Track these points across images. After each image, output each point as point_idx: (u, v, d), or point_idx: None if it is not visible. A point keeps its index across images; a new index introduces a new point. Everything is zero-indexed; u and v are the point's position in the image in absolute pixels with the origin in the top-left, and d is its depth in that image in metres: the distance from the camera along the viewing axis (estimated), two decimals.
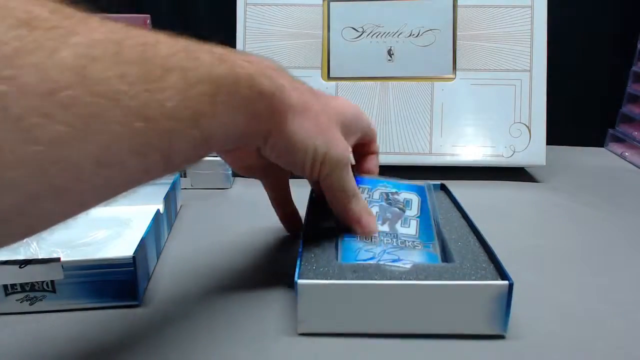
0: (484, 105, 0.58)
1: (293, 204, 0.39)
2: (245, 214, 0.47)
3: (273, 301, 0.33)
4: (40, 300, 0.31)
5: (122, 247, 0.35)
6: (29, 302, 0.31)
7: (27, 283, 0.30)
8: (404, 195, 0.37)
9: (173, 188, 0.46)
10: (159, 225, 0.39)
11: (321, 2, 0.59)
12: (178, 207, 0.48)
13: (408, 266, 0.30)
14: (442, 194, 0.43)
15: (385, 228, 0.33)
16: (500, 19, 0.58)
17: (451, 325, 0.29)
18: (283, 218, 0.40)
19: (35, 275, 0.30)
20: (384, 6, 0.59)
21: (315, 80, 0.59)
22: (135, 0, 0.74)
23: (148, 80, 0.19)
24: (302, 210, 0.39)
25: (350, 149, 0.32)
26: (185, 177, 0.54)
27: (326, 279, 0.29)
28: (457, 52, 0.58)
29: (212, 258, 0.39)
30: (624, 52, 0.71)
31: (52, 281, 0.30)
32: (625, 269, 0.38)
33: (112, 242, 0.36)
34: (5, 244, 0.18)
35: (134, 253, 0.31)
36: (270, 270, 0.37)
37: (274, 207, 0.39)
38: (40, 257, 0.31)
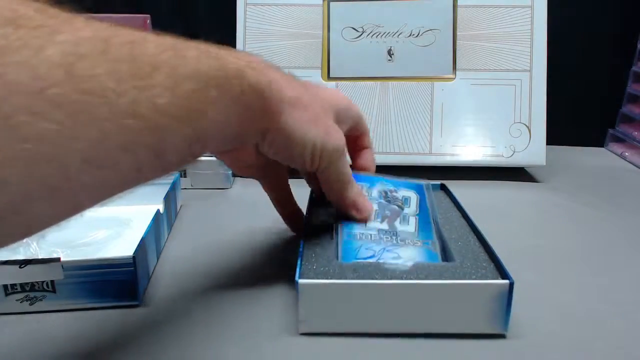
0: (484, 105, 0.58)
1: (295, 202, 0.39)
2: (245, 214, 0.47)
3: (273, 301, 0.33)
4: (40, 300, 0.31)
5: (122, 247, 0.34)
6: (29, 302, 0.31)
7: (27, 283, 0.30)
8: (402, 192, 0.37)
9: (173, 188, 0.46)
10: (159, 225, 0.39)
11: (321, 2, 0.59)
12: (178, 207, 0.48)
13: (408, 264, 0.30)
14: (442, 194, 0.43)
15: (384, 226, 0.33)
16: (500, 19, 0.58)
17: (452, 324, 0.29)
18: (286, 218, 0.39)
19: (35, 275, 0.30)
20: (384, 6, 0.59)
21: (315, 80, 0.59)
22: (136, 0, 0.74)
23: (136, 77, 0.19)
24: (302, 211, 0.39)
25: (344, 137, 0.32)
26: (185, 177, 0.54)
27: (327, 278, 0.29)
28: (457, 52, 0.58)
29: (212, 258, 0.39)
30: (624, 52, 0.71)
31: (52, 281, 0.30)
32: (625, 269, 0.38)
33: (112, 242, 0.36)
34: (2, 245, 0.18)
35: (134, 253, 0.31)
36: (270, 270, 0.37)
37: (276, 208, 0.39)
38: (40, 257, 0.31)
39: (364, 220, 0.34)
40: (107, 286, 0.31)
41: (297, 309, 0.28)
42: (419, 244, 0.32)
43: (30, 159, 0.16)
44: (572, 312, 0.32)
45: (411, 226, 0.34)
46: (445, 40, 0.58)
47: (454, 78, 0.58)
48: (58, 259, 0.30)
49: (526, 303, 0.31)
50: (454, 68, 0.58)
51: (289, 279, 0.35)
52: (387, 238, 0.32)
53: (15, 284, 0.30)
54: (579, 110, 0.76)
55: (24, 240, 0.19)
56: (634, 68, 0.70)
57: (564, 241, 0.43)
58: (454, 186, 0.43)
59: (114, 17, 0.59)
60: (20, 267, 0.30)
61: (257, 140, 0.28)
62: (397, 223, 0.34)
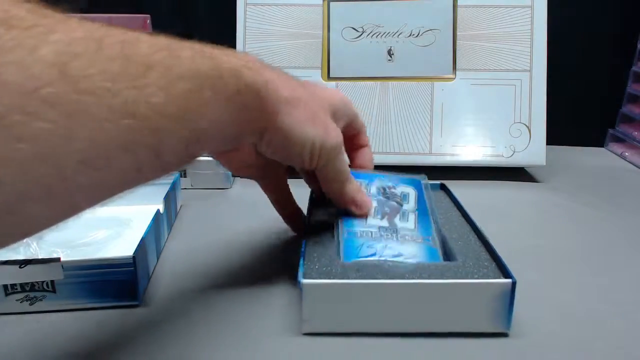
0: (484, 105, 0.58)
1: (295, 202, 0.39)
2: (245, 214, 0.47)
3: (274, 301, 0.33)
4: (40, 300, 0.31)
5: (122, 247, 0.35)
6: (29, 302, 0.31)
7: (27, 283, 0.30)
8: (400, 189, 0.37)
9: (173, 188, 0.46)
10: (159, 225, 0.39)
11: (321, 2, 0.59)
12: (178, 207, 0.48)
13: (409, 261, 0.30)
14: (442, 194, 0.43)
15: (384, 223, 0.33)
16: (500, 19, 0.58)
17: (455, 323, 0.29)
18: (287, 218, 0.39)
19: (35, 275, 0.30)
20: (384, 6, 0.59)
21: (315, 80, 0.59)
22: (136, 0, 0.74)
23: (131, 77, 0.19)
24: (302, 210, 0.39)
25: (341, 134, 0.32)
26: (185, 177, 0.54)
27: (329, 278, 0.29)
28: (457, 52, 0.58)
29: (212, 258, 0.39)
30: (624, 52, 0.71)
31: (52, 281, 0.30)
32: (625, 269, 0.38)
33: (112, 242, 0.36)
34: None
35: (134, 253, 0.31)
36: (271, 270, 0.37)
37: (276, 208, 0.38)
38: (40, 257, 0.31)
39: (363, 216, 0.34)
40: (107, 286, 0.31)
41: (301, 309, 0.28)
42: (420, 240, 0.32)
43: (24, 159, 0.16)
44: (572, 312, 0.32)
45: (411, 223, 0.34)
46: (445, 40, 0.58)
47: (454, 78, 0.58)
48: (58, 259, 0.30)
49: (526, 302, 0.31)
50: (454, 68, 0.58)
51: (290, 279, 0.35)
52: (388, 235, 0.32)
53: (15, 284, 0.30)
54: (579, 110, 0.76)
55: (24, 240, 0.19)
56: (634, 68, 0.70)
57: (564, 241, 0.43)
58: (454, 186, 0.43)
59: (115, 17, 0.59)
60: (20, 267, 0.30)
61: (255, 140, 0.28)
62: (397, 220, 0.34)
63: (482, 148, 0.57)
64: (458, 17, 0.58)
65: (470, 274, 0.29)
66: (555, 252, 0.40)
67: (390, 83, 0.59)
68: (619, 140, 0.72)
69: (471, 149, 0.57)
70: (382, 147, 0.58)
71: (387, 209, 0.35)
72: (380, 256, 0.30)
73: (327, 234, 0.34)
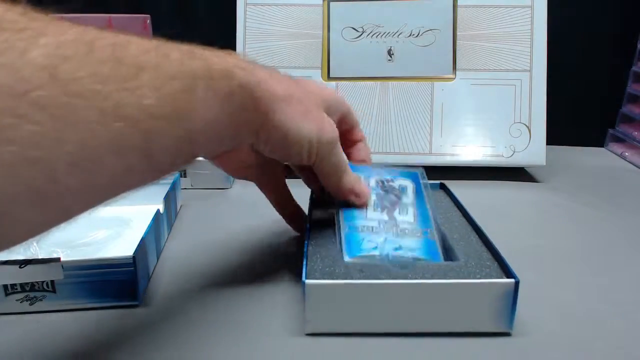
0: (484, 105, 0.58)
1: (295, 202, 0.39)
2: (245, 214, 0.47)
3: (275, 301, 0.33)
4: (40, 300, 0.31)
5: (122, 247, 0.35)
6: (29, 302, 0.31)
7: (27, 283, 0.30)
8: (398, 182, 0.37)
9: (173, 188, 0.46)
10: (159, 225, 0.39)
11: (321, 2, 0.59)
12: (178, 207, 0.48)
13: (409, 254, 0.30)
14: (442, 194, 0.43)
15: (384, 217, 0.34)
16: (500, 19, 0.58)
17: (458, 323, 0.29)
18: (288, 218, 0.39)
19: (35, 275, 0.30)
20: (384, 6, 0.59)
21: (315, 80, 0.59)
22: (136, 0, 0.74)
23: (121, 79, 0.19)
24: (302, 209, 0.39)
25: (336, 128, 0.32)
26: (185, 177, 0.54)
27: (333, 278, 0.29)
28: (457, 52, 0.58)
29: (212, 258, 0.39)
30: (624, 52, 0.71)
31: (52, 281, 0.30)
32: (625, 269, 0.38)
33: (112, 242, 0.36)
34: None
35: (134, 253, 0.31)
36: (271, 269, 0.37)
37: (277, 210, 0.38)
38: (40, 257, 0.31)
39: (363, 205, 0.34)
40: (107, 286, 0.31)
41: (304, 310, 0.28)
42: (419, 234, 0.32)
43: (14, 162, 0.16)
44: (573, 312, 0.32)
45: (410, 216, 0.34)
46: (445, 40, 0.58)
47: (454, 78, 0.58)
48: (58, 259, 0.30)
49: (527, 302, 0.31)
50: (454, 68, 0.58)
51: (290, 279, 0.35)
52: (388, 229, 0.32)
53: (15, 284, 0.30)
54: (579, 110, 0.76)
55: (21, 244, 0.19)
56: (634, 68, 0.70)
57: (564, 241, 0.43)
58: (454, 186, 0.44)
59: (115, 17, 0.59)
60: (20, 267, 0.30)
61: (252, 139, 0.28)
62: (396, 213, 0.34)
63: (482, 148, 0.57)
64: (458, 17, 0.58)
65: (473, 274, 0.29)
66: (555, 252, 0.40)
67: (390, 83, 0.59)
68: (619, 140, 0.72)
69: (471, 149, 0.57)
70: (382, 147, 0.58)
71: (386, 203, 0.35)
72: (382, 250, 0.30)
73: (329, 234, 0.34)
